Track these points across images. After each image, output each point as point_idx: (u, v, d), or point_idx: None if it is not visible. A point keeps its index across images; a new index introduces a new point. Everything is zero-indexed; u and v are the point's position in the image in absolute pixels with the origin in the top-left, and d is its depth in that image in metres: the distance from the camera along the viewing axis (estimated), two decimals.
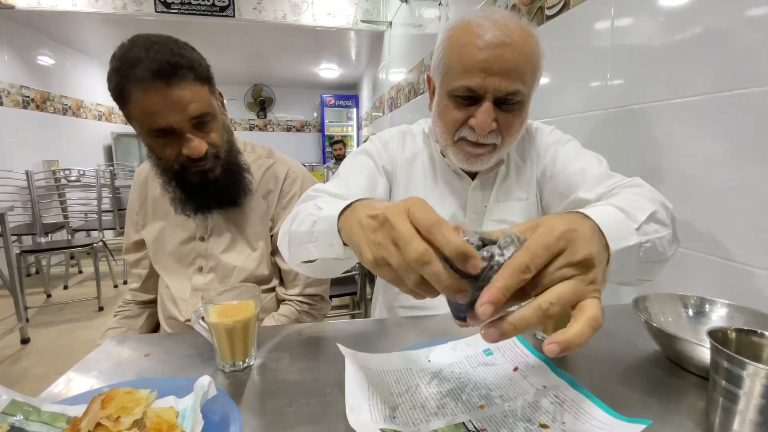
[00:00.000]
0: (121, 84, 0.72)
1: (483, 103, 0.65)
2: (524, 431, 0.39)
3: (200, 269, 0.92)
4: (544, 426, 0.40)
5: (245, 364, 0.54)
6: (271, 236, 0.96)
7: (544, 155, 0.78)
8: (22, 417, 0.40)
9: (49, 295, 3.03)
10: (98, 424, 0.40)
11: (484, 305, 0.31)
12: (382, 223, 0.37)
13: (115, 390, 0.45)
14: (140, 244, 0.98)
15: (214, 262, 0.92)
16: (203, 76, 0.78)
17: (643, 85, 0.88)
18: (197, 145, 0.77)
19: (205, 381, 0.43)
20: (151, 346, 0.62)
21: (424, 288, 0.34)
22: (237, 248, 0.93)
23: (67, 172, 3.44)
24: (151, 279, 1.00)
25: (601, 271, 0.35)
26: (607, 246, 0.41)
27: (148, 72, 0.70)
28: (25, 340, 2.30)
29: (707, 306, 0.61)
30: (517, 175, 0.79)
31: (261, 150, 1.01)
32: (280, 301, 0.99)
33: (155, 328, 1.02)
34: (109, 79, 0.74)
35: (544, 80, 1.27)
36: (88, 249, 2.73)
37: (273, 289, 0.98)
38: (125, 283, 3.28)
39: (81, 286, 3.29)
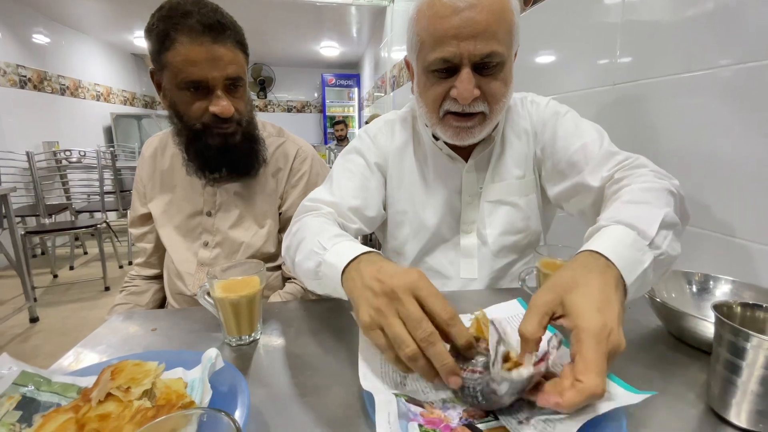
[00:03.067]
0: (167, 30, 0.74)
1: (461, 71, 0.63)
2: (528, 405, 0.39)
3: (206, 244, 0.93)
4: None
5: (251, 338, 0.55)
6: (280, 214, 0.96)
7: (542, 132, 0.75)
8: (33, 387, 0.41)
9: (55, 276, 3.07)
10: (108, 395, 0.41)
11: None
12: (389, 294, 0.41)
13: (124, 362, 0.46)
14: (146, 218, 0.98)
15: (220, 237, 0.92)
16: (243, 42, 0.82)
17: (654, 59, 0.86)
18: (227, 105, 0.78)
19: (212, 353, 0.43)
20: (157, 321, 0.62)
21: (415, 363, 0.39)
22: (244, 225, 0.93)
23: (67, 153, 3.43)
24: (156, 254, 1.01)
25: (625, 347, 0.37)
26: (625, 286, 0.42)
27: (199, 25, 0.73)
28: (33, 319, 2.35)
29: (711, 282, 0.61)
30: (512, 153, 0.77)
31: (271, 128, 1.00)
32: (285, 279, 0.99)
33: (162, 303, 1.04)
34: (152, 27, 0.76)
35: (549, 57, 1.24)
36: (92, 230, 2.74)
37: (279, 267, 0.99)
38: (130, 263, 3.31)
39: (87, 266, 3.32)
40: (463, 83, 0.62)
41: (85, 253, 3.65)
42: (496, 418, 0.38)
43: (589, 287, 0.38)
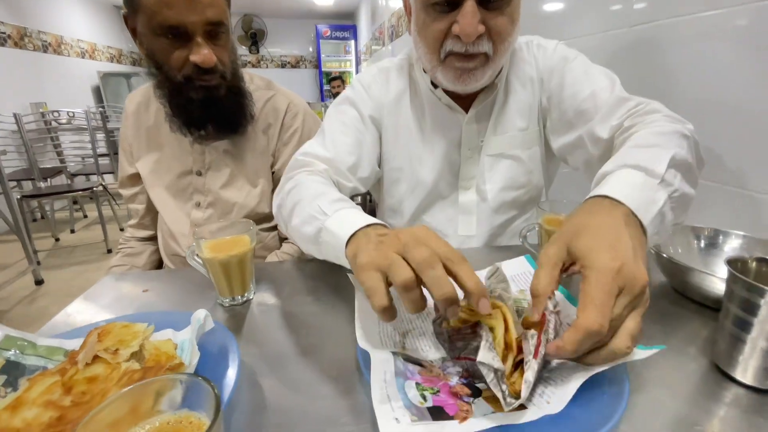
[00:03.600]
0: None
1: (464, 4, 0.57)
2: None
3: (198, 205, 0.90)
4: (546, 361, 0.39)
5: (244, 299, 0.54)
6: (273, 173, 0.93)
7: (548, 79, 0.70)
8: (17, 351, 0.40)
9: (57, 239, 3.08)
10: (96, 357, 0.40)
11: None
12: (393, 239, 0.38)
13: (112, 324, 0.45)
14: (135, 178, 0.95)
15: (212, 198, 0.90)
16: None
17: None
18: (208, 54, 0.72)
19: (201, 314, 0.42)
20: (149, 281, 0.61)
21: (408, 293, 0.35)
22: (236, 184, 0.90)
23: (56, 114, 3.32)
24: (149, 215, 0.99)
25: (647, 280, 0.33)
26: (641, 224, 0.39)
27: None
28: (39, 282, 2.38)
29: (721, 237, 0.59)
30: (516, 102, 0.72)
31: (259, 81, 0.94)
32: (282, 239, 0.98)
33: (159, 264, 1.03)
34: None
35: (557, 2, 1.14)
36: (89, 193, 2.71)
37: (275, 228, 0.97)
38: None
39: (88, 229, 3.33)
40: (467, 17, 0.56)
41: (85, 216, 3.64)
42: None
43: (595, 227, 0.36)
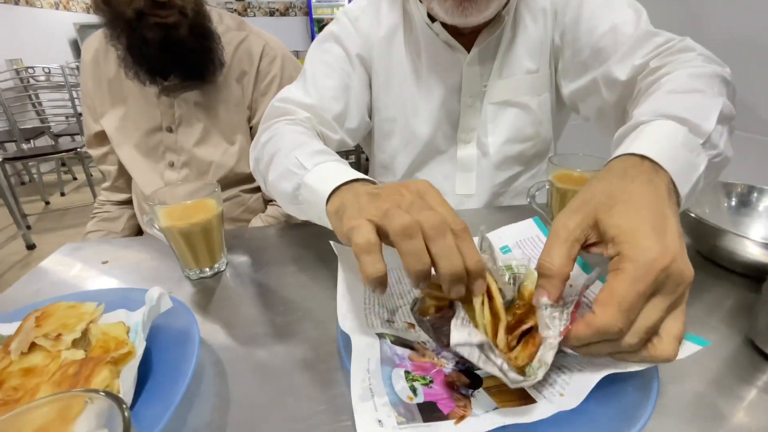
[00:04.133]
0: None
1: None
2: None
3: (171, 164, 0.82)
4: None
5: (213, 271, 0.47)
6: (251, 128, 0.84)
7: (563, 12, 0.59)
8: None
9: (47, 203, 3.01)
10: (34, 344, 0.35)
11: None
12: (388, 191, 0.32)
13: (56, 305, 0.39)
14: (102, 137, 0.86)
15: (186, 157, 0.82)
16: None
17: None
18: None
19: (154, 293, 0.36)
20: (111, 252, 0.55)
21: (409, 241, 0.28)
22: (211, 141, 0.82)
23: (31, 70, 3.12)
24: (123, 176, 0.91)
25: (693, 275, 0.26)
26: (678, 195, 0.31)
27: None
28: (30, 246, 2.34)
29: (755, 195, 0.52)
30: (525, 39, 0.61)
31: (230, 20, 0.82)
32: (267, 202, 0.91)
33: (139, 230, 0.97)
34: None
35: None
36: (73, 154, 2.61)
37: (259, 189, 0.90)
38: None
39: (78, 192, 3.25)
40: None
41: (75, 178, 3.54)
42: None
43: (635, 202, 0.28)
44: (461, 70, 0.62)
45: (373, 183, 0.38)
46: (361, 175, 0.39)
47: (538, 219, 0.45)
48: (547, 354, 0.27)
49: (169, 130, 0.81)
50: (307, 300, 0.43)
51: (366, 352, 0.31)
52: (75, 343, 0.35)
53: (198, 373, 0.34)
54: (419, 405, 0.27)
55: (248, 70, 0.80)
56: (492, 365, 0.26)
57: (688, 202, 0.33)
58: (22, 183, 3.45)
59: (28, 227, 2.38)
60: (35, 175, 3.08)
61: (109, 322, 0.37)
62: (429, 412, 0.27)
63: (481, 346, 0.26)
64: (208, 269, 0.47)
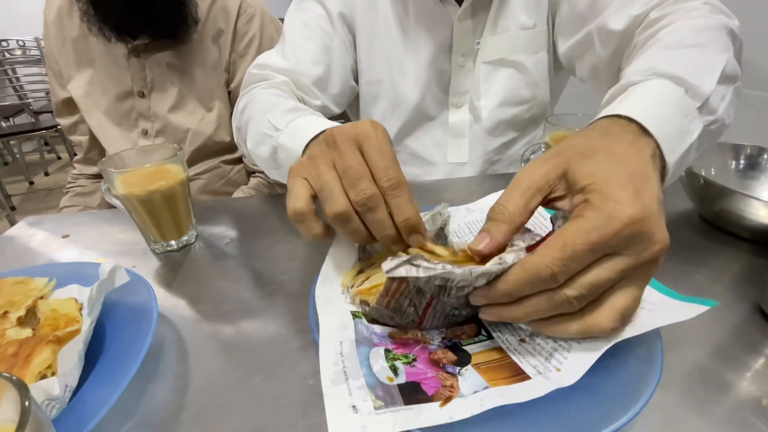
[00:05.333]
0: None
1: None
2: None
3: (145, 132, 0.77)
4: None
5: (180, 243, 0.44)
6: (229, 93, 0.79)
7: None
8: None
9: (31, 183, 2.93)
10: None
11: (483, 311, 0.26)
12: (327, 141, 0.30)
13: (2, 280, 0.35)
14: (70, 104, 0.81)
15: (160, 124, 0.77)
16: None
17: None
18: None
19: (107, 266, 0.32)
20: (74, 225, 0.51)
21: (346, 224, 0.29)
22: (187, 107, 0.77)
23: (5, 44, 2.97)
24: (96, 147, 0.86)
25: (667, 247, 0.22)
26: (664, 163, 0.27)
27: None
28: None
29: (764, 157, 0.48)
30: None
31: None
32: (250, 174, 0.86)
33: None
34: None
35: None
36: (54, 132, 2.52)
37: (241, 160, 0.85)
38: None
39: (62, 171, 3.16)
40: None
41: (59, 157, 3.44)
42: (490, 337, 0.29)
43: (615, 156, 0.24)
44: (452, 25, 0.57)
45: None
46: (332, 124, 0.36)
47: None
48: (505, 255, 0.24)
49: (141, 95, 0.75)
50: (281, 274, 0.40)
51: (337, 334, 0.27)
52: (21, 321, 0.32)
53: (156, 352, 0.31)
54: (400, 386, 0.24)
55: (225, 28, 0.75)
56: (434, 270, 0.24)
57: (675, 174, 0.29)
58: (5, 164, 3.36)
59: (12, 208, 2.32)
60: (17, 155, 2.98)
61: (58, 299, 0.34)
62: (411, 393, 0.24)
63: (412, 259, 0.24)
64: (174, 242, 0.43)
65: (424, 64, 0.60)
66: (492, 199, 0.42)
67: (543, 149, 0.49)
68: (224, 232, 0.48)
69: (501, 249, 0.25)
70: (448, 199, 0.53)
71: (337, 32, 0.59)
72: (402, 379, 0.25)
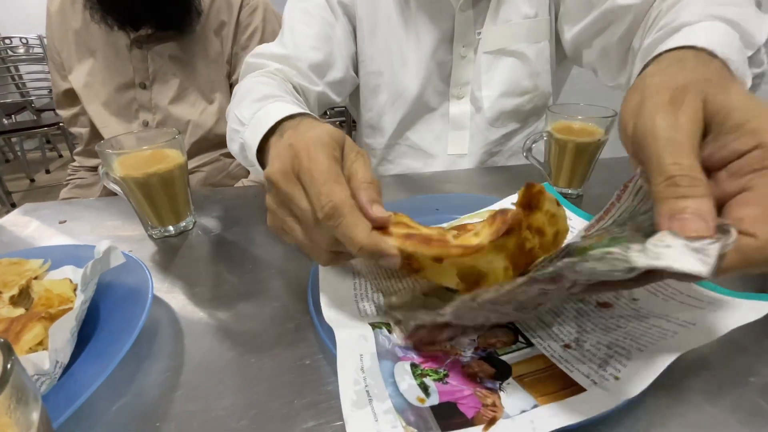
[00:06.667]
0: None
1: None
2: (575, 314, 0.27)
3: (146, 124, 0.77)
4: (604, 305, 0.27)
5: (178, 229, 0.43)
6: (231, 85, 0.79)
7: None
8: None
9: (32, 180, 2.93)
10: None
11: None
12: (269, 186, 0.28)
13: None
14: (71, 95, 0.80)
15: (161, 116, 0.76)
16: None
17: None
18: None
19: (102, 246, 0.32)
20: (72, 212, 0.50)
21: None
22: (188, 99, 0.76)
23: (8, 41, 2.98)
24: (96, 139, 0.85)
25: None
26: None
27: None
28: None
29: None
30: None
31: None
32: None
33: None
34: None
35: None
36: (56, 129, 2.52)
37: None
38: None
39: (63, 169, 3.15)
40: None
41: (60, 156, 3.44)
42: (529, 344, 0.26)
43: (736, 84, 0.21)
44: (453, 15, 0.57)
45: (309, 116, 0.35)
46: (288, 112, 0.35)
47: (548, 185, 0.41)
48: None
49: (143, 86, 0.75)
50: (280, 259, 0.39)
51: (357, 347, 0.25)
52: (14, 301, 0.31)
53: (151, 332, 0.30)
54: (433, 408, 0.21)
55: (227, 20, 0.75)
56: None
57: None
58: (7, 161, 3.36)
59: (13, 205, 2.31)
60: (19, 153, 2.99)
61: (52, 279, 0.33)
62: (447, 416, 0.21)
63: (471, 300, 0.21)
64: (172, 227, 0.43)
65: (425, 55, 0.59)
66: (510, 201, 0.41)
67: (545, 138, 0.48)
68: (223, 219, 0.47)
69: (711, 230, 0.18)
70: (450, 190, 0.53)
71: (338, 21, 0.59)
72: (435, 399, 0.22)
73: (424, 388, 0.23)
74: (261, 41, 0.76)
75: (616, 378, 0.22)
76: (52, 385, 0.24)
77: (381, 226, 0.25)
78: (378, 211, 0.25)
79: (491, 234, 0.23)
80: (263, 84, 0.48)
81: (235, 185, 0.82)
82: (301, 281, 0.35)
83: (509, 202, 0.41)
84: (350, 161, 0.27)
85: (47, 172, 3.09)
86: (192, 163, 0.78)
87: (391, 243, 0.24)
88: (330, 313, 0.28)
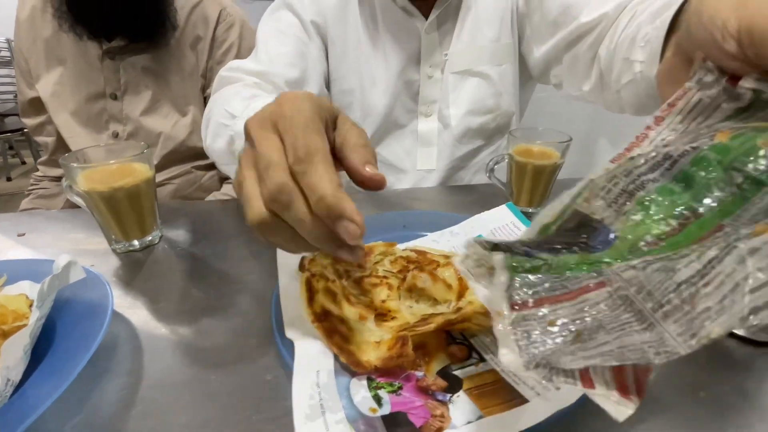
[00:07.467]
0: None
1: None
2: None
3: (115, 135, 0.76)
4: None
5: (143, 244, 0.43)
6: (204, 98, 0.79)
7: None
8: None
9: None
10: None
11: None
12: (247, 135, 0.25)
13: None
14: (37, 104, 0.79)
15: (132, 127, 0.75)
16: None
17: None
18: None
19: (61, 261, 0.31)
20: (31, 223, 0.49)
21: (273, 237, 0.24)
22: (161, 111, 0.76)
23: None
24: (62, 149, 0.83)
25: None
26: None
27: None
28: None
29: None
30: (486, 6, 0.59)
31: None
32: (223, 180, 0.86)
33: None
34: None
35: None
36: (20, 135, 2.42)
37: (213, 166, 0.84)
38: None
39: (26, 177, 3.02)
40: None
41: (23, 162, 3.29)
42: (482, 359, 0.27)
43: None
44: (419, 37, 0.60)
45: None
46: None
47: (511, 204, 0.43)
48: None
49: (114, 97, 0.74)
50: (245, 274, 0.40)
51: (315, 362, 0.26)
52: None
53: (110, 349, 0.30)
54: (384, 418, 0.22)
55: (203, 35, 0.75)
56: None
57: None
58: None
59: None
60: None
61: (7, 295, 0.33)
62: (396, 425, 0.22)
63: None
64: (137, 242, 0.42)
65: (393, 75, 0.62)
66: (476, 221, 0.43)
67: (506, 160, 0.51)
68: (191, 233, 0.47)
69: None
70: (418, 207, 0.55)
71: (312, 40, 0.61)
72: (386, 409, 0.23)
73: (378, 399, 0.24)
74: (237, 57, 0.77)
75: (557, 388, 0.23)
76: (2, 404, 0.24)
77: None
78: (371, 171, 0.24)
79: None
80: (248, 88, 0.48)
81: (207, 198, 0.81)
82: (267, 296, 0.35)
83: (479, 219, 0.43)
84: (345, 129, 0.26)
85: (8, 179, 2.94)
86: (163, 176, 0.77)
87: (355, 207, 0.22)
88: (291, 329, 0.28)
